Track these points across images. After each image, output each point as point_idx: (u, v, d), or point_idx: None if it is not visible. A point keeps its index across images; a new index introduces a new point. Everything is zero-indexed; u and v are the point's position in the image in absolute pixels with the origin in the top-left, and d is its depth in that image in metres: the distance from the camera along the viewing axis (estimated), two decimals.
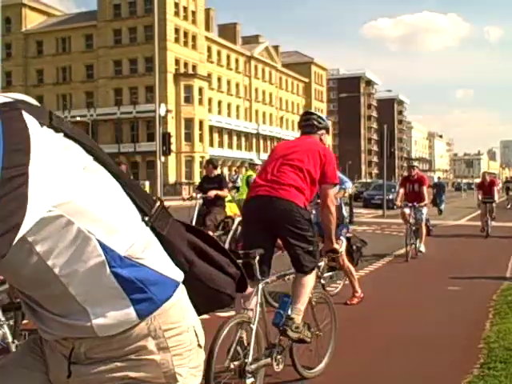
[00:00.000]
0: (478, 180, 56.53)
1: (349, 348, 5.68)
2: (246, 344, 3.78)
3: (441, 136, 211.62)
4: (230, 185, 27.25)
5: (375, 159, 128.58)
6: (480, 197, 17.38)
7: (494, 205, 17.04)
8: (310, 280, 4.33)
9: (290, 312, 4.17)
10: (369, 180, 61.62)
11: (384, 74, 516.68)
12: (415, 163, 13.46)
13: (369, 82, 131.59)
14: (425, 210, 12.11)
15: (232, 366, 3.66)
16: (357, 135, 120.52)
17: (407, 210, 11.81)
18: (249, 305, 3.97)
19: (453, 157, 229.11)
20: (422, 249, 12.01)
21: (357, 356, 5.42)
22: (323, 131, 4.86)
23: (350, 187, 7.87)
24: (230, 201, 12.68)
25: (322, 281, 7.06)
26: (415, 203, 11.67)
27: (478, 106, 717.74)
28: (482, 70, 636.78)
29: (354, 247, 7.72)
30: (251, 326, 3.80)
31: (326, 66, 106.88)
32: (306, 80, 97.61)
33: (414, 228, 11.75)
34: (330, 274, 7.66)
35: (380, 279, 9.30)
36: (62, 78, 69.64)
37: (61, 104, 69.22)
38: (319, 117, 4.94)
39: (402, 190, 12.22)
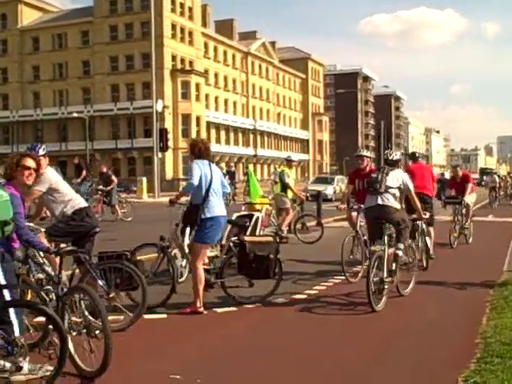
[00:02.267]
0: (475, 175, 55.77)
1: (346, 344, 5.69)
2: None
3: (438, 132, 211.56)
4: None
5: (372, 155, 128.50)
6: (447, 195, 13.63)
7: (467, 206, 13.35)
8: (432, 230, 10.77)
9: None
10: None
11: (381, 70, 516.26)
12: (365, 152, 9.87)
13: (366, 78, 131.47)
14: None
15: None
16: (354, 131, 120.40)
17: (355, 213, 9.32)
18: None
19: (450, 152, 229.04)
20: None
21: (355, 351, 5.43)
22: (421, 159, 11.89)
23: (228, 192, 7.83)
24: (263, 196, 12.91)
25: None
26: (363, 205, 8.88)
27: (475, 102, 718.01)
28: (480, 66, 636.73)
29: (252, 256, 6.99)
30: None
31: (322, 62, 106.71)
32: (303, 76, 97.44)
33: (365, 238, 9.03)
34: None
35: None
36: (58, 74, 69.36)
37: (57, 100, 69.01)
38: (419, 153, 12.55)
39: (348, 189, 9.93)
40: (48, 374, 4.28)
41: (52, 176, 6.47)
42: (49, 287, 4.93)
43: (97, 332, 4.50)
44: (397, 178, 7.78)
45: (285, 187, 13.38)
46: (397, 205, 7.70)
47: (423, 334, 6.01)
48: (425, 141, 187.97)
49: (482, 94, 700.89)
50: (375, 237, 7.57)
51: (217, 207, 6.81)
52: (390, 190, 7.63)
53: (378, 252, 7.10)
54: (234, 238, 7.74)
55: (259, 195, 12.87)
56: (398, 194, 7.75)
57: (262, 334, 6.09)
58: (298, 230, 13.92)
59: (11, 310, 4.45)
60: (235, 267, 7.28)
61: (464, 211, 13.32)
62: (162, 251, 7.17)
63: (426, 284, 8.49)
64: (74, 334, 4.65)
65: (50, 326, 4.35)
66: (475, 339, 5.52)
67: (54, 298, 4.81)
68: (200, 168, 6.77)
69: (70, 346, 4.63)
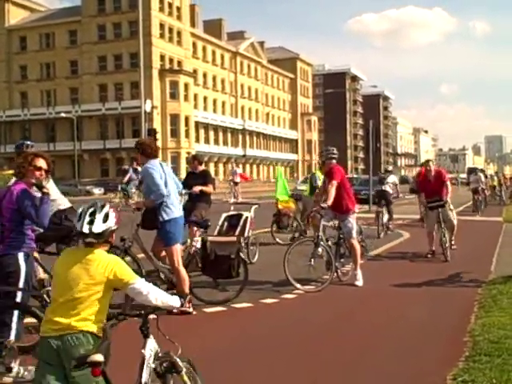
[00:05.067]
0: (463, 175, 52.35)
1: (335, 342, 5.68)
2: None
3: (426, 131, 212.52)
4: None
5: (361, 155, 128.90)
6: (423, 201, 11.23)
7: (450, 221, 11.10)
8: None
9: None
10: (354, 175, 61.82)
11: (369, 70, 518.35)
12: (335, 151, 8.82)
13: (354, 78, 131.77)
14: (352, 219, 8.44)
15: None
16: (343, 131, 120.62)
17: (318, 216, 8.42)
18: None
19: (438, 152, 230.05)
20: (359, 280, 8.36)
21: (344, 351, 5.42)
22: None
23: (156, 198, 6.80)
24: (292, 196, 14.39)
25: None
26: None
27: (463, 102, 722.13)
28: (468, 65, 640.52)
29: (213, 256, 7.01)
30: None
31: (311, 62, 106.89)
32: (292, 76, 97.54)
33: (329, 243, 8.28)
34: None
35: (370, 270, 9.27)
36: (45, 74, 68.98)
37: (45, 100, 68.62)
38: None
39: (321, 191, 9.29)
40: None
41: None
42: (50, 288, 4.89)
43: None
44: (392, 178, 16.04)
45: (314, 190, 13.25)
46: (391, 191, 15.49)
47: (412, 333, 6.01)
48: (413, 140, 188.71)
49: (471, 94, 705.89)
50: (380, 205, 14.90)
51: (173, 208, 6.82)
52: (389, 183, 15.50)
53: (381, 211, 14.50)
54: (196, 238, 7.69)
55: (288, 195, 14.00)
56: (392, 186, 15.64)
57: (251, 334, 6.08)
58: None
59: (15, 313, 4.41)
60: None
61: (446, 224, 10.90)
62: (126, 252, 7.10)
63: (415, 283, 8.51)
64: None
65: None
66: (464, 338, 5.53)
67: None
68: (158, 172, 6.77)
69: None
